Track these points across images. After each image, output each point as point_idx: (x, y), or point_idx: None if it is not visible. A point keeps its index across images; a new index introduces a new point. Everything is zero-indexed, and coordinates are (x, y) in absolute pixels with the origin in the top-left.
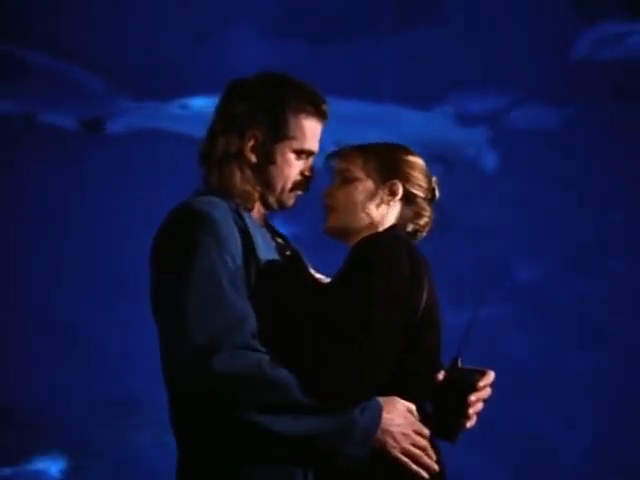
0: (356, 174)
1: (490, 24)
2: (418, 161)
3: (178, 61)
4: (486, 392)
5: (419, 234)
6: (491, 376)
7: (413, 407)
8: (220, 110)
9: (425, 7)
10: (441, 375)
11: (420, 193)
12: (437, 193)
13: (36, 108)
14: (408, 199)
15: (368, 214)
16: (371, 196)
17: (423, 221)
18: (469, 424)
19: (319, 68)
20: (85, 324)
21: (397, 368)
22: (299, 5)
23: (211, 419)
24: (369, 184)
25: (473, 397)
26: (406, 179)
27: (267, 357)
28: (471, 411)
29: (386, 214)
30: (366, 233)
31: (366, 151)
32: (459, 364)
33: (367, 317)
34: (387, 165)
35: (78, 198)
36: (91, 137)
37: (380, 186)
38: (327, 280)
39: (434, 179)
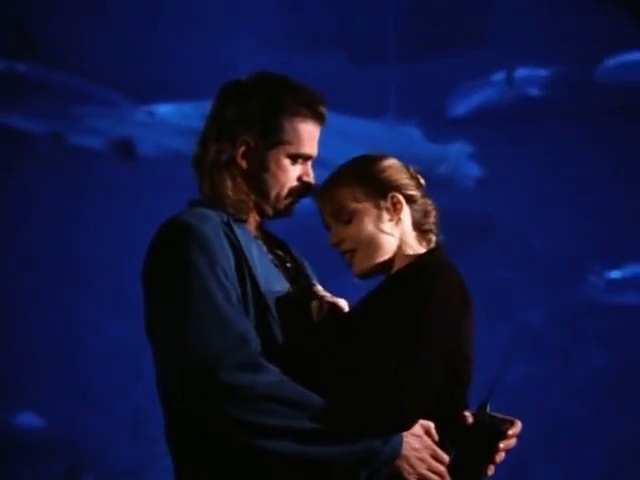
0: (352, 207)
1: None
2: (392, 161)
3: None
4: (513, 442)
5: (436, 235)
6: (519, 426)
7: (431, 426)
8: (212, 114)
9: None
10: (470, 418)
11: (415, 192)
12: (421, 178)
13: (63, 127)
14: (410, 203)
15: (389, 238)
16: (380, 220)
17: (433, 216)
18: (490, 472)
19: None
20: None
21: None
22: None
23: (220, 441)
24: (371, 210)
25: (502, 444)
26: (398, 187)
27: (285, 377)
28: (498, 458)
29: (403, 229)
30: (398, 260)
31: (344, 181)
32: (488, 409)
33: (418, 351)
34: (373, 184)
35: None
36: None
37: (381, 206)
38: (329, 295)
39: (411, 169)
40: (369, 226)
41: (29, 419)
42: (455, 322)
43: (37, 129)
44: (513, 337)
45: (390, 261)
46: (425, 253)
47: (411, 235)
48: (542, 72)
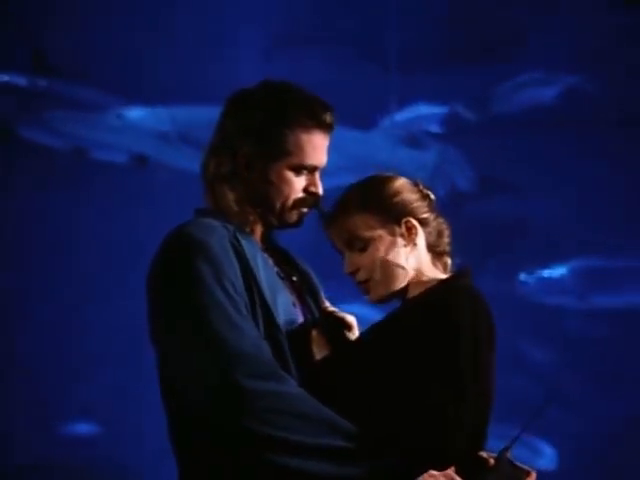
0: (366, 236)
1: None
2: (402, 183)
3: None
4: None
5: (451, 257)
6: (534, 477)
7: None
8: (218, 125)
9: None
10: (491, 460)
11: (428, 214)
12: (431, 195)
13: (86, 143)
14: (424, 226)
15: (406, 265)
16: (395, 247)
17: (446, 236)
18: None
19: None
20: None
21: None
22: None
23: (225, 446)
24: (385, 237)
25: None
26: (411, 211)
27: (302, 390)
28: None
29: (418, 253)
30: (414, 284)
31: (356, 209)
32: (509, 455)
33: (463, 386)
34: (387, 210)
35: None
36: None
37: (396, 232)
38: (337, 310)
39: (420, 185)
40: (384, 254)
41: (86, 428)
42: (487, 352)
43: (55, 142)
44: (547, 396)
45: (405, 288)
46: (448, 279)
47: (426, 259)
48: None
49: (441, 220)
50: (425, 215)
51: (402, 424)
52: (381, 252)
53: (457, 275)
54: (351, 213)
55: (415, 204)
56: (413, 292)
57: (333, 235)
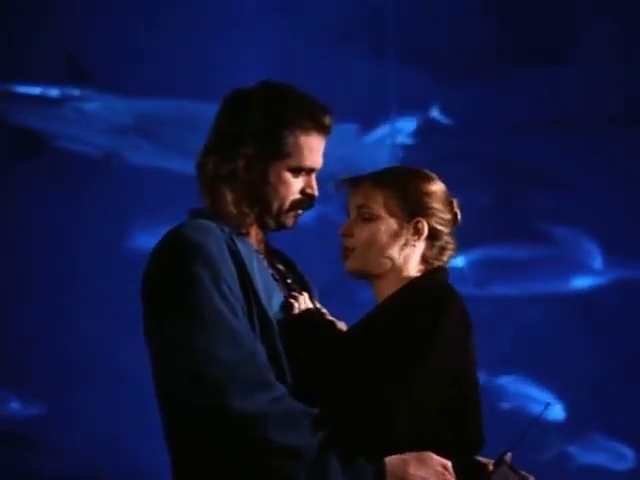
0: (377, 212)
1: None
2: (439, 190)
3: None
4: None
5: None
6: None
7: (449, 464)
8: (215, 124)
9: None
10: (490, 466)
11: (445, 229)
12: (458, 216)
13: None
14: (433, 236)
15: (392, 257)
16: (395, 237)
17: (447, 256)
18: None
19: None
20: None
21: (439, 433)
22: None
23: (227, 459)
24: (392, 223)
25: None
26: (430, 215)
27: (289, 397)
28: None
29: (410, 254)
30: (396, 280)
31: (385, 185)
32: (508, 460)
33: (413, 370)
34: (409, 201)
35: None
36: None
37: (404, 225)
38: (327, 314)
39: (455, 203)
40: (382, 238)
41: None
42: (457, 345)
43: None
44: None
45: (384, 274)
46: (426, 274)
47: (415, 262)
48: None
49: (451, 241)
50: (439, 227)
51: (355, 410)
52: (380, 233)
53: (433, 270)
54: (379, 185)
55: (437, 213)
56: (389, 285)
57: (352, 193)
